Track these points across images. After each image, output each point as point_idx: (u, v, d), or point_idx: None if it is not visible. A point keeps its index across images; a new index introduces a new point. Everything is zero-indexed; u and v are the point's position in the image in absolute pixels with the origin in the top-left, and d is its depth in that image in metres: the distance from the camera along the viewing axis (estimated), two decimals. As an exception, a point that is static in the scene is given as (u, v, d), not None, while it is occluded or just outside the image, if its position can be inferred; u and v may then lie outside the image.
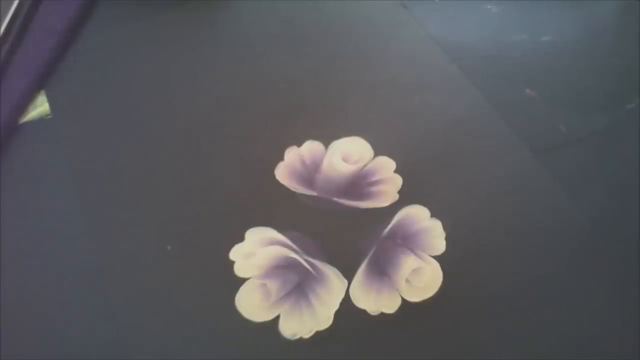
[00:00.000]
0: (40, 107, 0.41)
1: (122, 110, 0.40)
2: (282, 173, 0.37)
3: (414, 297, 0.32)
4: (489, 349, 0.30)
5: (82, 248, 0.34)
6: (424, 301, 0.31)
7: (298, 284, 0.32)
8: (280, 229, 0.34)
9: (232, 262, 0.33)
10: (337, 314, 0.31)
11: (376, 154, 0.37)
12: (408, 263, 0.33)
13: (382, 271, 0.33)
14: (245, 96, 0.41)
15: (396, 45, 0.43)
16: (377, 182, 0.36)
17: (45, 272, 0.33)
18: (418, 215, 0.35)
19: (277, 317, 0.31)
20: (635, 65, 0.42)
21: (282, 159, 0.37)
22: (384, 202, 0.35)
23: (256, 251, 0.33)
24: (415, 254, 0.33)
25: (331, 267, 0.33)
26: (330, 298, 0.32)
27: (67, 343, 0.31)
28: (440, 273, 0.32)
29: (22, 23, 0.43)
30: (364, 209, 0.35)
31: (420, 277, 0.32)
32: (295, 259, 0.33)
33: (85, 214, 0.35)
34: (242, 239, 0.34)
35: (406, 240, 0.34)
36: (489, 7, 0.46)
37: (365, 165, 0.37)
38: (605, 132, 0.38)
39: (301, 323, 0.31)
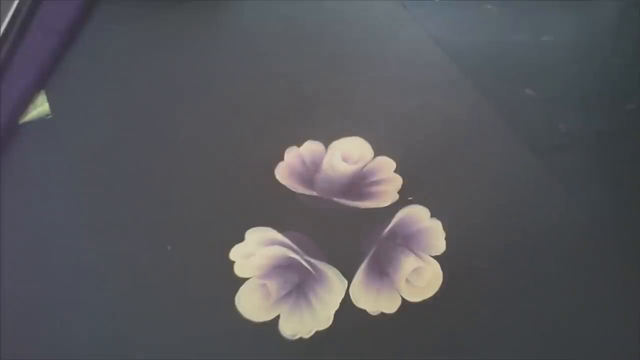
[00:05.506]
0: (40, 107, 0.41)
1: (122, 110, 0.40)
2: (282, 173, 0.37)
3: (414, 297, 0.32)
4: (489, 349, 0.30)
5: (82, 248, 0.34)
6: (424, 301, 0.31)
7: (298, 284, 0.32)
8: (280, 229, 0.34)
9: (232, 262, 0.33)
10: (337, 314, 0.31)
11: (376, 154, 0.37)
12: (408, 263, 0.33)
13: (382, 271, 0.33)
14: (245, 96, 0.41)
15: (396, 45, 0.43)
16: (377, 182, 0.36)
17: (45, 272, 0.33)
18: (418, 215, 0.35)
19: (277, 317, 0.31)
20: (635, 65, 0.42)
21: (282, 159, 0.37)
22: (384, 202, 0.35)
23: (256, 251, 0.33)
24: (415, 254, 0.33)
25: (331, 267, 0.33)
26: (330, 298, 0.32)
27: (67, 343, 0.31)
28: (440, 273, 0.32)
29: (22, 23, 0.43)
30: (364, 209, 0.35)
31: (420, 277, 0.32)
32: (295, 259, 0.33)
33: (85, 214, 0.35)
34: (242, 239, 0.34)
35: (406, 240, 0.34)
36: (489, 7, 0.46)
37: (365, 165, 0.37)
38: (605, 132, 0.38)
39: (301, 323, 0.31)
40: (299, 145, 0.38)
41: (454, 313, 0.31)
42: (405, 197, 0.35)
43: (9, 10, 0.43)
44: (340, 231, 0.34)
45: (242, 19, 0.46)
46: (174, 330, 0.31)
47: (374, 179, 0.36)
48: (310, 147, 0.38)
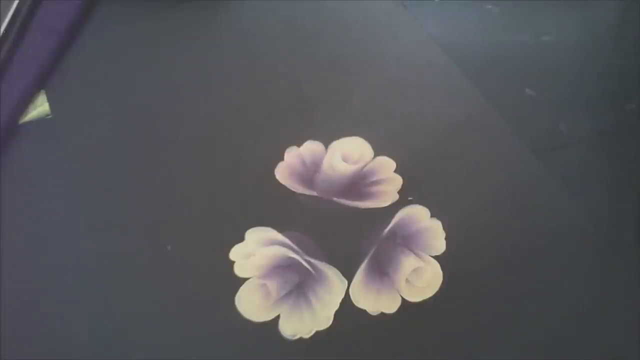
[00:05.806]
0: (40, 107, 0.41)
1: (122, 110, 0.40)
2: (282, 173, 0.37)
3: (414, 297, 0.32)
4: (489, 349, 0.30)
5: (82, 248, 0.34)
6: (424, 301, 0.31)
7: (298, 284, 0.32)
8: (280, 229, 0.34)
9: (232, 262, 0.33)
10: (337, 314, 0.31)
11: (376, 154, 0.37)
12: (408, 263, 0.33)
13: (382, 271, 0.33)
14: (245, 96, 0.41)
15: (396, 45, 0.43)
16: (377, 182, 0.36)
17: (45, 272, 0.33)
18: (418, 215, 0.35)
19: (277, 317, 0.31)
20: (635, 65, 0.42)
21: (282, 159, 0.37)
22: (384, 202, 0.35)
23: (256, 251, 0.33)
24: (415, 254, 0.33)
25: (331, 267, 0.33)
26: (330, 298, 0.32)
27: (67, 343, 0.31)
28: (440, 273, 0.32)
29: (22, 23, 0.43)
30: (364, 209, 0.35)
31: (420, 277, 0.32)
32: (295, 259, 0.33)
33: (85, 214, 0.35)
34: (242, 239, 0.34)
35: (406, 240, 0.34)
36: (489, 7, 0.46)
37: (365, 165, 0.37)
38: (605, 132, 0.38)
39: (301, 323, 0.31)
40: (299, 145, 0.38)
41: (454, 313, 0.31)
42: (405, 197, 0.35)
43: (9, 10, 0.43)
44: (340, 231, 0.34)
45: (242, 19, 0.46)
46: (174, 330, 0.31)
47: (374, 179, 0.36)
48: (310, 147, 0.38)
